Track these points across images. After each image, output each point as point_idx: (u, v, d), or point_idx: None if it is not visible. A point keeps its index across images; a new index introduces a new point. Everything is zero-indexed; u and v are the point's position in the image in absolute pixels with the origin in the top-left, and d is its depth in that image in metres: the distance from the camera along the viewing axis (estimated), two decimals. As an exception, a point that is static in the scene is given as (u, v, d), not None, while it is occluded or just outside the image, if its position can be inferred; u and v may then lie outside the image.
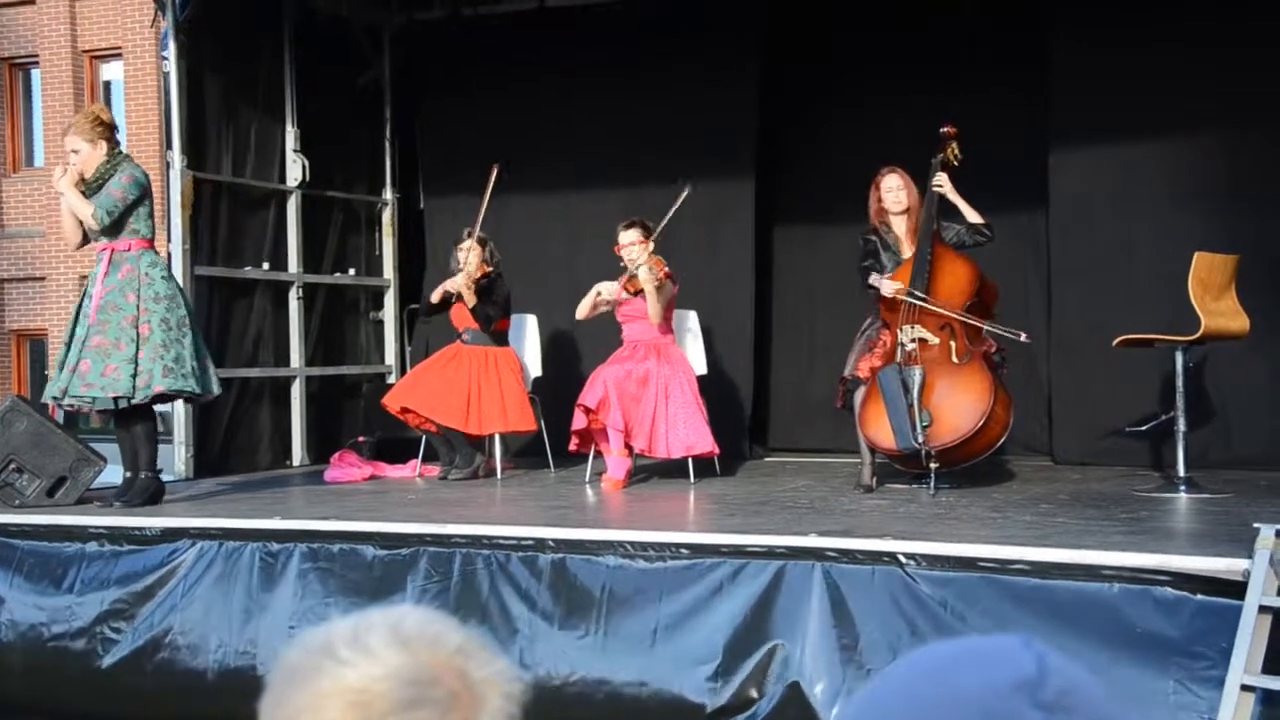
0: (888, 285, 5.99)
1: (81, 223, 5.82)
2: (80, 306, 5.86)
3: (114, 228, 5.79)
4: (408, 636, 0.98)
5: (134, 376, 5.66)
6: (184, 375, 5.77)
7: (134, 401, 5.74)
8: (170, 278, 5.97)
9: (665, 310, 6.69)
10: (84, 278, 15.96)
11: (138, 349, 5.68)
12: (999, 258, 6.88)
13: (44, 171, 16.17)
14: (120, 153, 5.89)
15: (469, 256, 7.01)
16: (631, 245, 6.64)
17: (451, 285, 7.06)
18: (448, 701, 0.96)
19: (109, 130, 5.86)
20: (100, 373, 5.65)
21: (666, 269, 6.61)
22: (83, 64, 16.09)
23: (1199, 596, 3.83)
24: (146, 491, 5.86)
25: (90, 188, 5.79)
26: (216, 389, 6.09)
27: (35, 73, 16.37)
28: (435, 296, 7.19)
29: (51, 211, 16.01)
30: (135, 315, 5.70)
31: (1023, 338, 5.99)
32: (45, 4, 16.01)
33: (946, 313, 5.92)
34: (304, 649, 1.00)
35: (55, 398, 5.77)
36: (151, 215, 5.91)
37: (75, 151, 5.81)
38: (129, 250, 5.79)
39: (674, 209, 6.65)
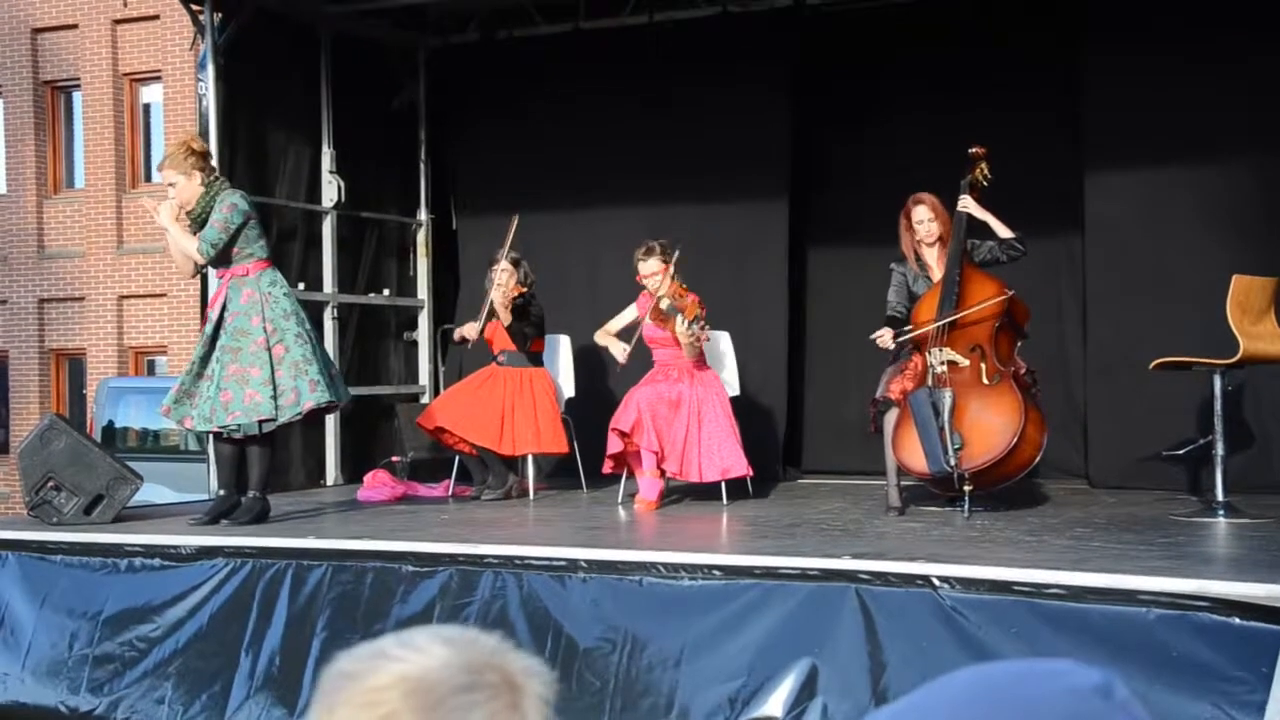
0: (885, 340, 6.02)
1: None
2: (214, 332, 5.85)
3: (223, 256, 5.84)
4: (450, 637, 1.07)
5: (274, 398, 5.71)
6: (327, 386, 5.84)
7: (281, 421, 5.80)
8: (290, 292, 6.00)
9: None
10: (123, 298, 16.12)
11: (273, 370, 5.72)
12: (1034, 280, 6.85)
13: (84, 193, 16.37)
14: (217, 180, 5.91)
15: (504, 278, 7.02)
16: (654, 275, 6.57)
17: (470, 332, 7.09)
18: (498, 687, 1.05)
19: (201, 159, 5.88)
20: (242, 400, 5.71)
21: (696, 297, 6.41)
22: (123, 87, 16.28)
23: (1238, 622, 3.78)
24: (254, 510, 5.87)
25: (194, 219, 5.84)
26: (348, 395, 6.15)
27: (77, 95, 16.58)
28: (456, 336, 7.25)
29: (90, 232, 16.19)
30: (265, 337, 5.74)
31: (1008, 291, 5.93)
32: (87, 28, 16.23)
33: (968, 314, 5.89)
34: (353, 657, 1.06)
35: (202, 427, 5.80)
36: (261, 235, 5.96)
37: (172, 185, 5.84)
38: (247, 274, 5.84)
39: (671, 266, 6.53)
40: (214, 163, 6.04)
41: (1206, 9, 7.03)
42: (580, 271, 8.34)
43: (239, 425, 5.74)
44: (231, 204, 5.80)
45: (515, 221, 7.01)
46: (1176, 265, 7.07)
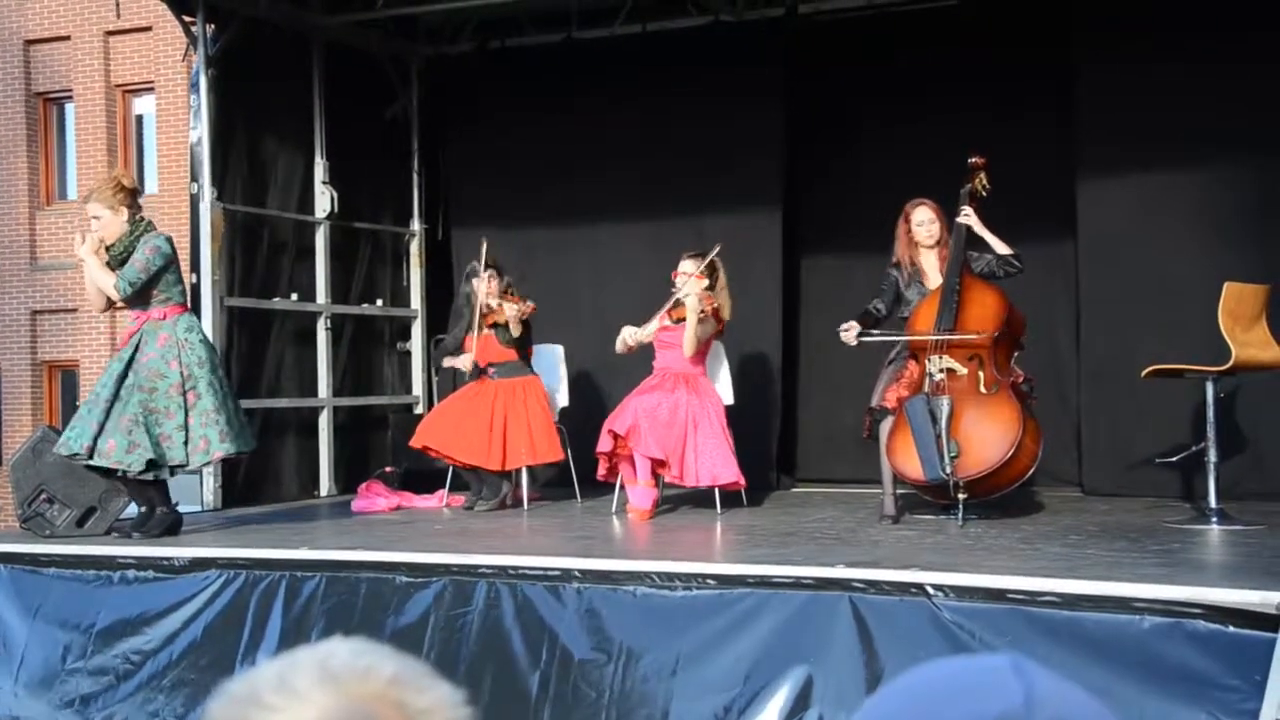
0: (847, 336, 6.06)
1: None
2: (115, 369, 5.84)
3: (141, 297, 5.84)
4: (337, 673, 0.90)
5: (186, 444, 5.73)
6: (236, 436, 5.87)
7: (190, 468, 5.88)
8: (205, 339, 6.02)
9: (702, 346, 6.67)
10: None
11: (186, 415, 5.74)
12: (1028, 288, 6.85)
13: (77, 205, 16.33)
14: (142, 220, 5.91)
15: (488, 288, 7.02)
16: (688, 276, 6.64)
17: (464, 363, 7.11)
18: None
19: (130, 196, 5.89)
20: (155, 442, 5.70)
21: (715, 305, 6.61)
22: (115, 98, 16.27)
23: (1231, 629, 3.78)
24: (165, 523, 5.89)
25: (114, 256, 5.83)
26: (254, 443, 6.22)
27: (69, 107, 16.57)
28: (447, 364, 7.25)
29: (84, 244, 16.17)
30: (180, 382, 5.75)
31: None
32: (79, 39, 16.22)
33: (964, 339, 5.91)
34: (228, 700, 0.91)
35: (75, 454, 5.75)
36: (180, 280, 5.97)
37: (96, 218, 5.85)
38: (164, 318, 5.83)
39: (707, 259, 6.65)
40: (141, 202, 6.02)
41: (1201, 16, 7.05)
42: (573, 279, 8.34)
43: (148, 465, 5.73)
44: (155, 246, 5.80)
45: (484, 246, 7.03)
46: (1169, 272, 7.09)
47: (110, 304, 5.96)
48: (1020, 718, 0.83)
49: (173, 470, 5.83)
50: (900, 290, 6.22)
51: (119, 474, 5.82)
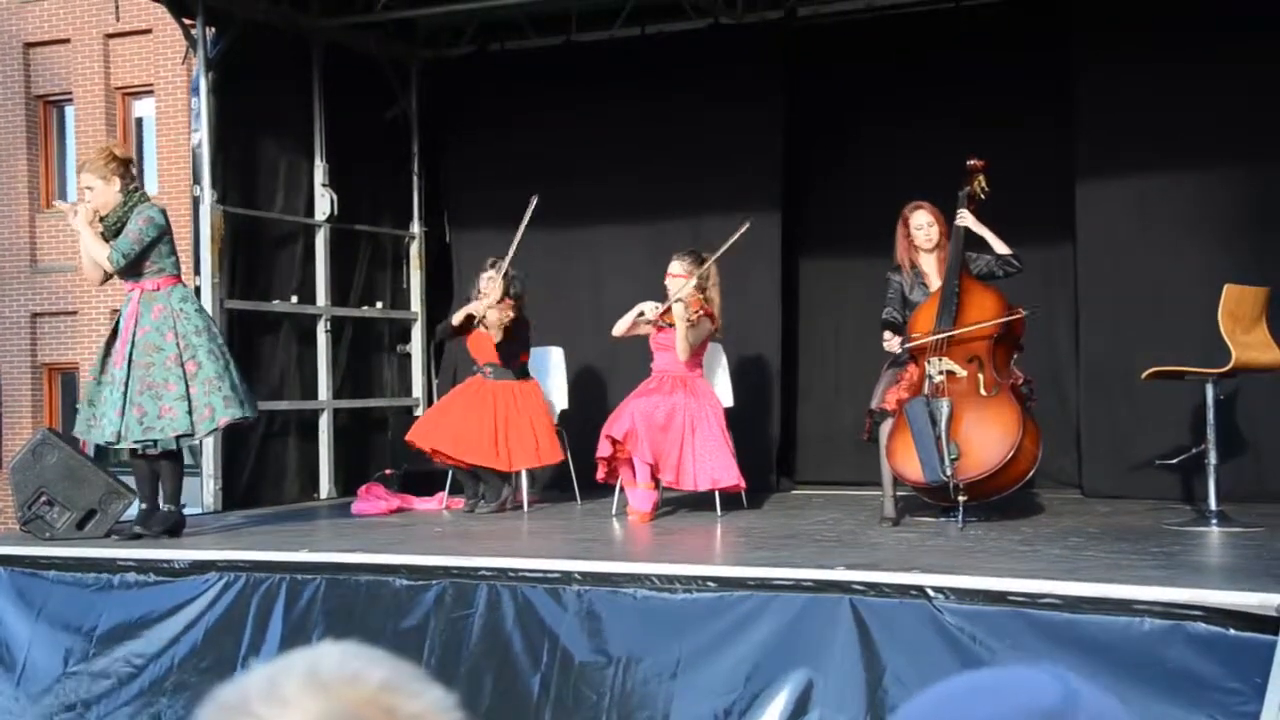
0: (892, 345, 6.07)
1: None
2: (111, 344, 5.86)
3: (134, 268, 5.79)
4: (326, 679, 0.90)
5: (189, 413, 5.70)
6: (240, 403, 5.84)
7: (197, 437, 5.84)
8: (201, 309, 6.00)
9: (698, 348, 6.68)
10: (115, 311, 16.09)
11: (187, 386, 5.71)
12: (1027, 290, 6.86)
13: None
14: (136, 191, 5.87)
15: (491, 288, 7.00)
16: (676, 277, 6.63)
17: (476, 309, 7.02)
18: None
19: (123, 166, 5.84)
20: (157, 414, 5.68)
21: (707, 309, 6.59)
22: (115, 100, 16.28)
23: (1232, 632, 3.78)
24: (168, 522, 5.88)
25: (108, 228, 5.78)
26: (256, 410, 6.18)
27: (69, 109, 16.58)
28: (457, 319, 7.13)
29: (83, 246, 16.17)
30: (178, 353, 5.71)
31: (1022, 311, 5.97)
32: (79, 42, 16.23)
33: (970, 331, 5.91)
34: (218, 707, 0.91)
35: (109, 441, 5.78)
36: (174, 251, 5.91)
37: (89, 189, 5.80)
38: (158, 289, 5.80)
39: (730, 242, 6.63)
40: (134, 172, 5.98)
41: (1201, 18, 7.06)
42: (573, 282, 8.35)
43: (155, 441, 5.73)
44: (148, 217, 5.75)
45: (533, 203, 6.95)
46: (1169, 275, 7.09)
47: (107, 276, 5.93)
48: (1056, 717, 0.83)
49: (178, 441, 5.79)
50: (905, 294, 6.22)
51: (139, 452, 5.82)
